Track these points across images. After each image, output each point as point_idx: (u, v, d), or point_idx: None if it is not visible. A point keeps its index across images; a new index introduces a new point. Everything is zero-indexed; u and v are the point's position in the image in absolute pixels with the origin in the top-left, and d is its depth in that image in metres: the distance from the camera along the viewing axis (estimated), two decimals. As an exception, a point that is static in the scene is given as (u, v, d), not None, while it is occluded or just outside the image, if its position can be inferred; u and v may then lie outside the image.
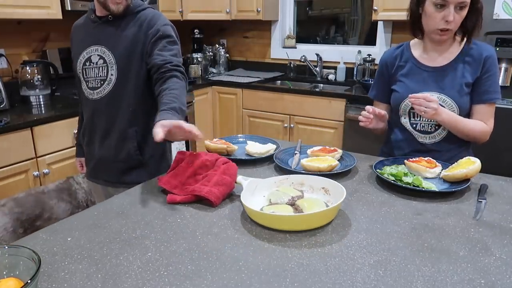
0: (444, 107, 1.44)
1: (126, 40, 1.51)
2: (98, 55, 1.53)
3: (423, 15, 1.42)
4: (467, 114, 1.49)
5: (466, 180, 1.23)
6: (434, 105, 1.35)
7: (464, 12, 1.36)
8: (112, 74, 1.53)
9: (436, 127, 1.50)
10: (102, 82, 1.53)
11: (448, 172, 1.26)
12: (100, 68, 1.53)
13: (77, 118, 2.45)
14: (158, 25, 1.51)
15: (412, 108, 1.48)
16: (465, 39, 1.45)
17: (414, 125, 1.53)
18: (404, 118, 1.55)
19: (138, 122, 1.57)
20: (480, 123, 1.47)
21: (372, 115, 1.46)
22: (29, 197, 1.77)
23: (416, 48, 1.55)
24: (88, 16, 1.59)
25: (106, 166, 1.62)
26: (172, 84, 1.40)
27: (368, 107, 1.46)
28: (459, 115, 1.46)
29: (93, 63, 1.54)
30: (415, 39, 1.55)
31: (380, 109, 1.50)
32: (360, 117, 1.49)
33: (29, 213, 1.71)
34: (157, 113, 1.30)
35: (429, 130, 1.51)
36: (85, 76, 1.56)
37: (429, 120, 1.49)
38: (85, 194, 1.90)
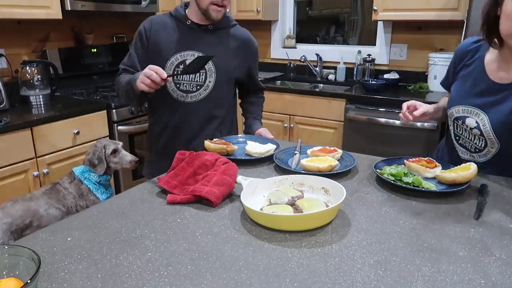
0: (481, 130, 1.30)
1: (228, 52, 1.68)
2: None
3: (502, 16, 1.17)
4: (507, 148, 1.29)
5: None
6: None
7: None
8: (210, 81, 1.66)
9: (482, 147, 1.33)
10: (198, 87, 1.65)
11: (440, 173, 1.25)
12: (198, 74, 1.64)
13: (76, 118, 2.50)
14: (256, 46, 1.78)
15: (456, 119, 1.37)
16: None
17: (457, 138, 1.42)
18: (450, 125, 1.44)
19: (225, 126, 1.78)
20: None
21: (410, 115, 1.39)
22: (17, 206, 1.65)
23: (492, 51, 1.32)
24: (179, 19, 1.67)
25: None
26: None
27: (404, 104, 1.40)
28: (500, 150, 1.29)
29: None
30: None
31: (422, 107, 1.40)
32: (400, 115, 1.43)
33: (19, 223, 1.61)
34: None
35: (470, 149, 1.37)
36: (175, 78, 1.65)
37: (475, 141, 1.35)
38: (74, 199, 1.80)
